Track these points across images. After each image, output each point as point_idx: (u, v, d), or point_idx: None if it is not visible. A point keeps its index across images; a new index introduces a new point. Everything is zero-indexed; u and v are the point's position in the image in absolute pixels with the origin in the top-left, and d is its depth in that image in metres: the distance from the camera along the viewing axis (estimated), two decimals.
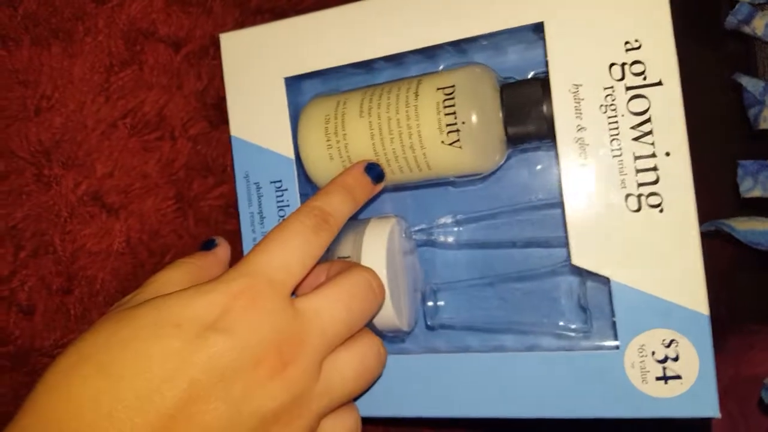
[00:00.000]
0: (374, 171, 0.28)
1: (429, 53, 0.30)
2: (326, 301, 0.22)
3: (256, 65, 0.30)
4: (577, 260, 0.25)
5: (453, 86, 0.27)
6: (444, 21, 0.27)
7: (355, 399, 0.25)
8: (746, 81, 0.37)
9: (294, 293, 0.23)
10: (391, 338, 0.31)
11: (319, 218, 0.24)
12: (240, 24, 0.36)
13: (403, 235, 0.30)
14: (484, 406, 0.27)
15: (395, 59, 0.30)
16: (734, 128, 0.46)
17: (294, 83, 0.31)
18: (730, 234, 0.36)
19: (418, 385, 0.28)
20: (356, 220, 0.30)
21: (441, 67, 0.31)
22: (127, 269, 0.31)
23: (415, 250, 0.32)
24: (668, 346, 0.24)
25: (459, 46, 0.29)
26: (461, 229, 0.31)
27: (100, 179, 0.31)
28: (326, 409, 0.22)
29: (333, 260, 0.28)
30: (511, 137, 0.28)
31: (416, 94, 0.27)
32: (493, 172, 0.30)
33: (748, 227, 0.36)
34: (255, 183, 0.30)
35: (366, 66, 0.31)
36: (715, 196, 0.47)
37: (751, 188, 0.36)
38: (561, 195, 0.26)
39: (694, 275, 0.24)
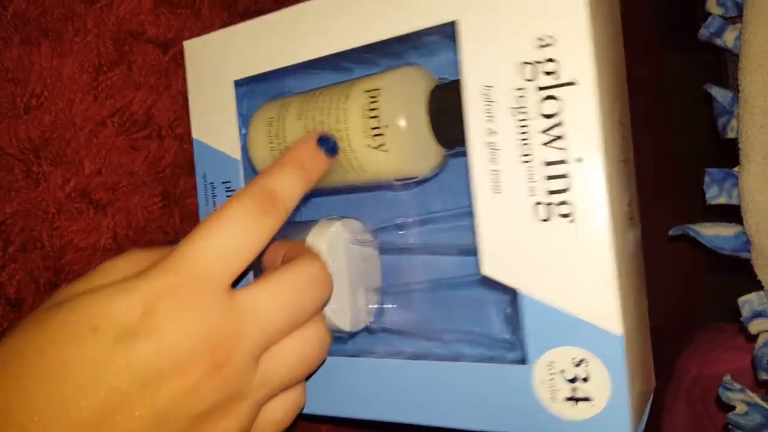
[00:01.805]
0: (328, 143, 0.25)
1: (395, 53, 0.30)
2: (268, 295, 0.20)
3: (212, 70, 0.32)
4: (486, 270, 0.24)
5: (378, 89, 0.26)
6: (360, 23, 0.26)
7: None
8: (716, 91, 0.39)
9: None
10: (336, 338, 0.31)
11: (263, 200, 0.21)
12: (227, 26, 0.37)
13: (352, 237, 0.30)
14: (396, 411, 0.27)
15: (366, 60, 0.31)
16: (706, 136, 0.48)
17: (277, 83, 0.32)
18: (697, 239, 0.38)
19: (338, 385, 0.28)
20: (305, 222, 0.31)
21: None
22: None
23: (372, 251, 0.32)
24: (578, 365, 0.22)
25: (414, 42, 0.28)
26: (404, 233, 0.31)
27: (88, 176, 0.31)
28: (266, 398, 0.21)
29: (293, 240, 0.27)
30: (440, 141, 0.27)
31: (346, 97, 0.27)
32: (434, 176, 0.29)
33: (713, 232, 0.38)
34: (210, 183, 0.32)
35: (339, 66, 0.31)
36: (687, 200, 0.49)
37: (716, 195, 0.37)
38: (471, 202, 0.24)
39: (605, 291, 0.22)
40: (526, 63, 0.23)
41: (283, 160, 0.23)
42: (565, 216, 0.22)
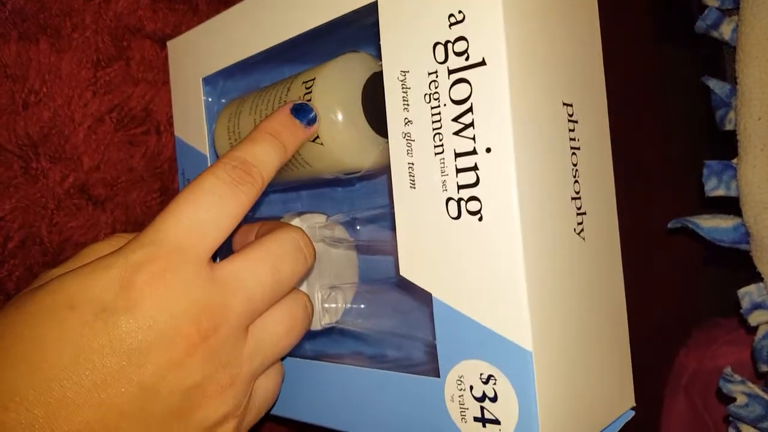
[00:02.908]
0: (303, 111, 0.24)
1: (360, 37, 0.28)
2: (251, 264, 0.20)
3: (186, 68, 0.32)
4: (404, 271, 0.22)
5: (313, 80, 0.25)
6: (294, 13, 0.25)
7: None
8: (713, 84, 0.39)
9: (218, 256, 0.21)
10: None
11: (239, 170, 0.20)
12: None
13: (314, 232, 0.29)
14: (315, 413, 0.25)
15: (327, 51, 0.29)
16: (705, 128, 0.48)
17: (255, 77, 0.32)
18: (695, 231, 0.38)
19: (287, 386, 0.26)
20: (271, 218, 0.30)
21: None
22: None
23: (344, 248, 0.30)
24: (486, 382, 0.20)
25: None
26: (360, 228, 0.29)
27: (86, 172, 0.31)
28: (259, 370, 0.21)
29: (264, 220, 0.26)
30: (378, 131, 0.25)
31: (288, 89, 0.26)
32: (383, 170, 0.27)
33: (711, 224, 0.38)
34: (188, 179, 0.32)
35: (306, 58, 0.30)
36: (684, 192, 0.49)
37: (715, 187, 0.37)
38: (390, 199, 0.22)
39: (515, 300, 0.19)
40: (438, 43, 0.20)
41: (257, 130, 0.23)
42: (474, 213, 0.20)
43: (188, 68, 0.32)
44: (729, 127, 0.38)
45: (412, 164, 0.21)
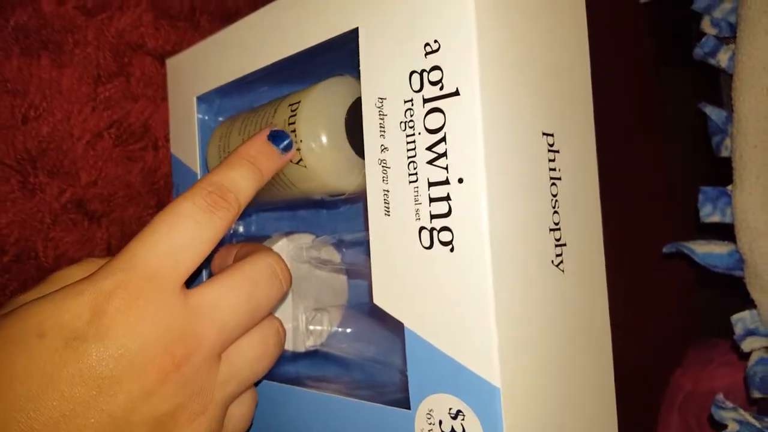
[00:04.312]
0: (280, 138, 0.24)
1: (347, 62, 0.28)
2: (225, 290, 0.20)
3: (182, 86, 0.32)
4: (377, 300, 0.21)
5: (298, 102, 0.25)
6: (282, 39, 0.25)
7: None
8: (710, 110, 0.39)
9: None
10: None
11: (214, 195, 0.20)
12: None
13: (301, 253, 0.28)
14: None
15: (315, 72, 0.29)
16: (703, 152, 0.48)
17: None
18: (690, 256, 0.38)
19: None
20: (259, 237, 0.30)
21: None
22: None
23: (326, 267, 0.30)
24: (455, 417, 0.19)
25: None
26: (345, 251, 0.29)
27: (84, 187, 0.32)
28: (232, 396, 0.21)
29: (243, 242, 0.26)
30: (360, 155, 0.25)
31: (274, 111, 0.26)
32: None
33: (706, 250, 0.38)
34: None
35: (299, 78, 0.30)
36: (680, 216, 0.49)
37: (710, 214, 0.37)
38: (366, 225, 0.22)
39: (485, 334, 0.18)
40: (414, 72, 0.20)
41: (233, 155, 0.23)
42: (446, 244, 0.19)
43: (184, 86, 0.32)
44: (725, 153, 0.39)
45: (387, 191, 0.21)
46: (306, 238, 0.29)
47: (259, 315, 0.21)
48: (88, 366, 0.17)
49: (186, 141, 0.32)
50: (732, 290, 0.38)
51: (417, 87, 0.20)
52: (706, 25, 0.39)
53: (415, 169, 0.20)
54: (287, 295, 0.27)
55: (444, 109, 0.19)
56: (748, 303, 0.37)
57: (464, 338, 0.19)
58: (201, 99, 0.31)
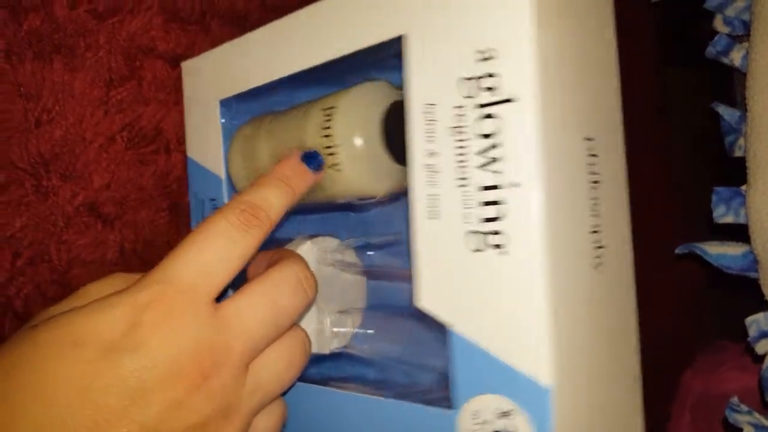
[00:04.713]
0: (313, 159, 0.25)
1: (382, 65, 0.28)
2: (252, 303, 0.20)
3: (202, 90, 0.32)
4: (419, 302, 0.22)
5: (333, 107, 0.26)
6: (323, 42, 0.25)
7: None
8: (723, 110, 0.39)
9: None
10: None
11: (247, 214, 0.21)
12: None
13: (326, 256, 0.29)
14: None
15: (342, 77, 0.29)
16: (714, 153, 0.48)
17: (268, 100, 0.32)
18: (703, 258, 0.38)
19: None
20: (283, 240, 0.30)
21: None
22: None
23: (349, 270, 0.30)
24: (503, 417, 0.20)
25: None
26: (371, 254, 0.30)
27: (96, 191, 0.32)
28: (258, 407, 0.21)
29: (278, 249, 0.26)
30: (396, 159, 0.26)
31: (306, 116, 0.27)
32: (401, 195, 0.27)
33: (719, 251, 0.37)
34: (201, 200, 0.32)
35: (324, 82, 0.31)
36: (694, 218, 0.48)
37: (724, 214, 0.37)
38: (408, 228, 0.22)
39: (537, 336, 0.19)
40: (466, 78, 0.20)
41: (267, 175, 0.24)
42: (497, 247, 0.20)
43: (206, 89, 0.32)
44: (738, 153, 0.38)
45: (435, 195, 0.21)
46: (330, 242, 0.29)
47: (285, 325, 0.21)
48: (122, 377, 0.18)
49: (206, 144, 0.32)
50: (743, 292, 0.38)
51: (469, 93, 0.20)
52: (718, 23, 0.38)
53: (465, 173, 0.21)
54: (311, 304, 0.27)
55: (498, 114, 0.20)
56: (763, 305, 0.37)
57: (514, 340, 0.19)
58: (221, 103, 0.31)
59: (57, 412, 0.17)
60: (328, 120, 0.25)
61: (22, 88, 0.30)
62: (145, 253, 0.33)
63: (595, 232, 0.22)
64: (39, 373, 0.17)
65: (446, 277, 0.21)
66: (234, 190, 0.31)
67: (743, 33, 0.38)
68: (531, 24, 0.19)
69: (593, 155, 0.22)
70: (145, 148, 0.34)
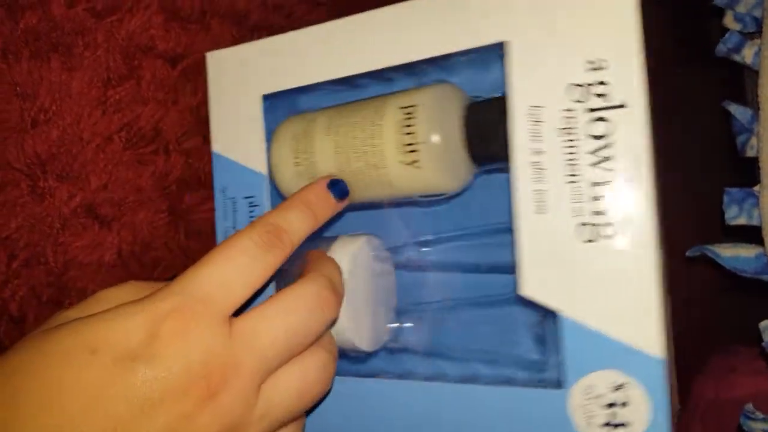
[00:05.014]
0: (338, 187, 0.27)
1: (411, 71, 0.30)
2: (265, 320, 0.20)
3: (238, 83, 0.31)
4: (524, 290, 0.24)
5: (414, 105, 0.27)
6: (411, 41, 0.27)
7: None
8: (734, 109, 0.38)
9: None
10: (354, 358, 0.31)
11: (271, 235, 0.22)
12: (237, 41, 0.36)
13: (375, 254, 0.30)
14: None
15: (381, 77, 0.31)
16: (725, 154, 0.47)
17: (290, 100, 0.32)
18: (715, 260, 0.37)
19: (356, 408, 0.27)
20: (325, 238, 0.30)
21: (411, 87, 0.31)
22: (118, 281, 0.32)
23: (390, 269, 0.32)
24: (617, 390, 0.22)
25: (437, 63, 0.29)
26: (427, 249, 0.31)
27: (94, 192, 0.31)
28: (270, 430, 0.21)
29: (312, 253, 0.27)
30: (474, 158, 0.27)
31: (379, 114, 0.27)
32: (461, 193, 0.29)
33: (732, 254, 0.36)
34: (231, 198, 0.31)
35: (352, 83, 0.31)
36: (704, 220, 0.47)
37: (736, 216, 0.36)
38: (512, 221, 0.24)
39: (648, 315, 0.22)
40: (575, 85, 0.23)
41: (293, 199, 0.24)
42: (609, 237, 0.23)
43: (241, 83, 0.31)
44: (750, 153, 0.37)
45: (542, 191, 0.24)
46: (375, 240, 0.30)
47: (302, 344, 0.21)
48: (133, 385, 0.18)
49: (243, 140, 0.31)
50: (756, 295, 0.37)
51: (579, 98, 0.23)
52: (729, 20, 0.37)
53: (575, 170, 0.23)
54: (367, 299, 0.29)
55: (609, 118, 0.23)
56: None
57: (626, 319, 0.22)
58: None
59: (66, 419, 0.17)
60: (410, 118, 0.26)
61: (18, 88, 0.29)
62: (143, 255, 0.33)
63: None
64: (50, 379, 0.17)
65: (552, 266, 0.23)
66: (275, 188, 0.31)
67: (755, 30, 0.37)
68: (637, 37, 0.22)
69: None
70: (144, 148, 0.33)
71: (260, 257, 0.21)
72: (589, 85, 0.23)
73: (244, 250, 0.21)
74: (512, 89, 0.24)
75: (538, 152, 0.24)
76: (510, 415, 0.24)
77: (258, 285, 0.21)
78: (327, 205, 0.26)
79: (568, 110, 0.23)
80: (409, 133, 0.26)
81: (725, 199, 0.36)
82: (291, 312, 0.21)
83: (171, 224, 0.34)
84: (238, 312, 0.21)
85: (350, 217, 0.35)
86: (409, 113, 0.27)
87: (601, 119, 0.23)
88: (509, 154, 0.25)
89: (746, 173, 0.37)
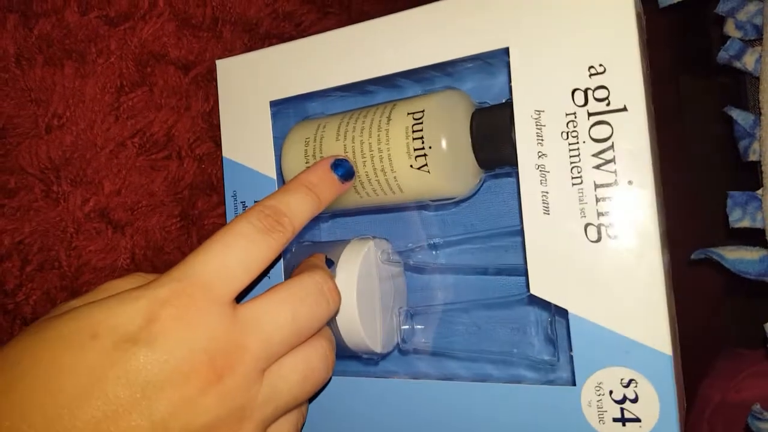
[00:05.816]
0: (342, 167, 0.26)
1: (419, 77, 0.31)
2: (270, 307, 0.20)
3: (247, 90, 0.32)
4: (535, 290, 0.24)
5: (422, 111, 0.27)
6: (417, 47, 0.27)
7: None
8: (737, 114, 0.39)
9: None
10: (366, 360, 0.31)
11: (271, 219, 0.21)
12: (248, 49, 0.37)
13: (385, 257, 0.30)
14: None
15: (390, 84, 0.31)
16: (726, 158, 0.48)
17: (300, 106, 0.32)
18: (720, 262, 0.37)
19: (369, 408, 0.28)
20: (335, 241, 0.31)
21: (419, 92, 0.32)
22: None
23: (400, 272, 0.32)
24: (627, 385, 0.23)
25: (444, 69, 0.30)
26: (436, 252, 0.31)
27: (107, 196, 0.31)
28: (272, 417, 0.21)
29: (310, 257, 0.27)
30: (481, 163, 0.28)
31: (388, 119, 0.28)
32: (469, 197, 0.30)
33: (736, 256, 0.37)
34: (242, 202, 0.32)
35: (361, 89, 0.32)
36: (708, 224, 0.48)
37: (740, 219, 0.37)
38: (521, 223, 0.25)
39: (655, 312, 0.22)
40: (577, 90, 0.24)
41: (293, 181, 0.24)
42: (614, 237, 0.23)
43: (250, 90, 0.32)
44: (753, 157, 0.38)
45: (546, 193, 0.24)
46: (384, 243, 0.31)
47: (304, 333, 0.21)
48: (135, 369, 0.18)
49: (253, 145, 0.31)
50: (761, 297, 0.37)
51: (581, 102, 0.24)
52: (730, 28, 0.38)
53: (579, 173, 0.24)
54: (377, 301, 0.29)
55: (611, 121, 0.23)
56: None
57: (634, 316, 0.23)
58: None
59: (66, 403, 0.17)
60: (419, 123, 0.27)
61: (32, 94, 0.30)
62: (156, 259, 0.33)
63: (665, 224, 0.26)
64: (49, 362, 0.17)
65: (561, 266, 0.24)
66: None
67: (755, 37, 0.38)
68: (636, 44, 0.23)
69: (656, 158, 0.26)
70: (157, 154, 0.33)
71: (259, 241, 0.21)
72: (589, 89, 0.24)
73: (242, 234, 0.21)
74: (516, 94, 0.25)
75: (542, 155, 0.24)
76: (523, 413, 0.25)
77: (259, 269, 0.21)
78: (331, 185, 0.25)
79: (571, 114, 0.24)
80: (417, 138, 0.27)
81: (729, 202, 0.37)
82: (296, 300, 0.21)
83: (183, 229, 0.34)
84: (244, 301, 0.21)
85: (360, 221, 0.35)
86: (417, 118, 0.27)
87: (602, 122, 0.24)
88: (516, 158, 0.25)
89: (749, 177, 0.38)
